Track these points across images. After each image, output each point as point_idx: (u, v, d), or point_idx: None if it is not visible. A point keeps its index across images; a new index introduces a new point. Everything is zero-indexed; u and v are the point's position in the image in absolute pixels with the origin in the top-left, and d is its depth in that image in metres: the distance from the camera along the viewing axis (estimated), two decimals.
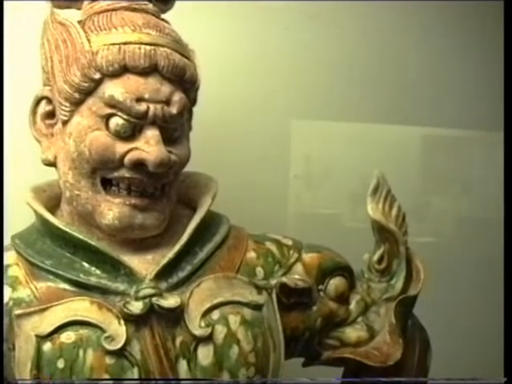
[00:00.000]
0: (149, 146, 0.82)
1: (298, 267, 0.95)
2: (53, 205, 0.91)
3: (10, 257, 0.87)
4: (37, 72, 0.93)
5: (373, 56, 1.52)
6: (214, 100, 1.35)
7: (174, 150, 0.85)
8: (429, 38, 1.54)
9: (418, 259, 0.99)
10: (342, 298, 0.97)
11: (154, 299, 0.82)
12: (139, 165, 0.82)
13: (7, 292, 0.85)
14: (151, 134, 0.83)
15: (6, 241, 0.92)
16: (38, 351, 0.81)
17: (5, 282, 0.85)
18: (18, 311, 0.82)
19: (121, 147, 0.82)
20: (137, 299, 0.83)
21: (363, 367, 0.98)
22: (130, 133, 0.83)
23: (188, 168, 0.94)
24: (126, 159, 0.82)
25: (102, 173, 0.84)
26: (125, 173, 0.83)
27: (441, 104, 1.56)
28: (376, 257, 0.99)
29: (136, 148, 0.83)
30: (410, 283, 0.98)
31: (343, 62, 1.49)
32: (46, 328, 0.81)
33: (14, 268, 0.86)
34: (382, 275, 0.99)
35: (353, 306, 0.98)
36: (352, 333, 0.97)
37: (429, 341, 1.04)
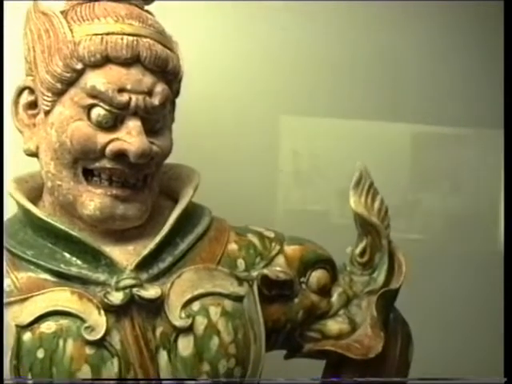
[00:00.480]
0: (130, 137, 0.82)
1: (280, 259, 0.95)
2: (35, 196, 0.91)
3: None
4: None
5: (363, 53, 1.53)
6: (202, 96, 1.35)
7: (155, 141, 0.85)
8: (420, 34, 1.55)
9: (400, 253, 0.99)
10: (324, 291, 0.97)
11: (134, 290, 0.82)
12: (121, 155, 0.83)
13: None
14: (133, 124, 0.83)
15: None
16: (18, 341, 0.81)
17: None
18: None
19: (102, 138, 0.82)
20: (117, 290, 0.83)
21: (345, 360, 0.98)
22: (112, 123, 0.83)
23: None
24: (108, 150, 0.82)
25: (84, 163, 0.84)
26: (106, 163, 0.83)
27: (431, 101, 1.56)
28: (358, 250, 0.99)
29: (117, 139, 0.83)
30: (392, 277, 0.99)
31: (333, 58, 1.50)
32: (26, 318, 0.81)
33: None
34: (364, 268, 0.99)
35: (334, 298, 0.98)
36: (333, 325, 0.97)
37: (410, 335, 1.04)
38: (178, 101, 0.96)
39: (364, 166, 0.97)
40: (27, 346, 0.81)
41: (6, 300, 0.83)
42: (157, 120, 0.86)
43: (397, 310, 1.02)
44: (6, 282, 0.84)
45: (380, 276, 0.98)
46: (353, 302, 0.99)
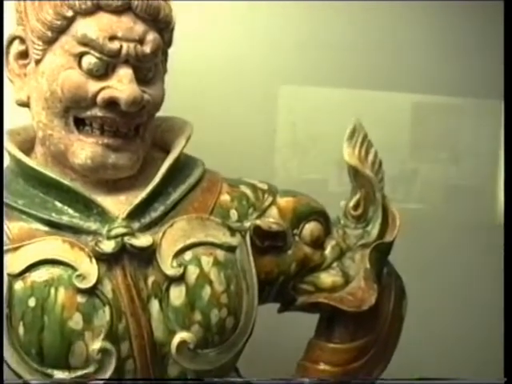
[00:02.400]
0: (122, 85, 0.81)
1: (273, 211, 0.94)
2: (27, 148, 0.90)
3: None
4: None
5: (363, 21, 1.52)
6: (201, 65, 1.34)
7: (147, 90, 0.84)
8: (421, 5, 1.53)
9: (394, 206, 0.98)
10: (317, 243, 0.97)
11: (126, 238, 0.82)
12: (112, 103, 0.82)
13: None
14: (124, 72, 0.82)
15: None
16: (10, 290, 0.81)
17: None
18: None
19: (93, 86, 0.82)
20: (109, 238, 0.82)
21: (338, 314, 0.98)
22: (103, 72, 0.82)
23: None
24: (99, 98, 0.82)
25: (75, 112, 0.83)
26: (97, 112, 0.83)
27: (430, 71, 1.55)
28: (352, 203, 0.99)
29: (109, 87, 0.82)
30: (386, 230, 0.98)
31: (333, 27, 1.49)
32: (18, 267, 0.81)
33: None
34: (357, 221, 0.99)
35: (328, 251, 0.98)
36: (327, 278, 0.97)
37: (404, 289, 1.04)
38: (177, 71, 0.95)
39: (358, 119, 0.96)
40: (19, 294, 0.81)
41: None
42: (148, 69, 0.85)
43: (390, 263, 1.02)
44: None
45: (374, 229, 0.98)
46: (346, 254, 0.99)
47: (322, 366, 0.99)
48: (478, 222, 1.66)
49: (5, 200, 0.85)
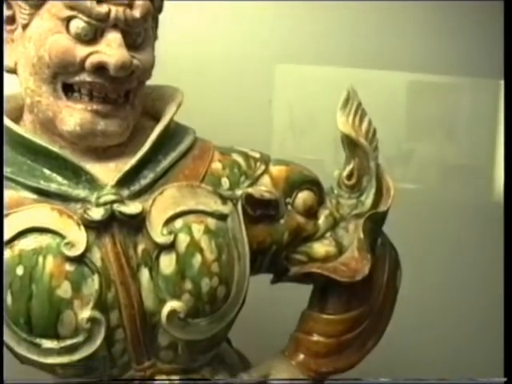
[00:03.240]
0: (110, 49, 0.80)
1: (265, 179, 0.93)
2: (15, 116, 0.89)
3: None
4: None
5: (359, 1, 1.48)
6: (197, 43, 1.33)
7: (136, 55, 0.83)
8: None
9: (388, 176, 0.97)
10: (310, 213, 0.96)
11: (115, 206, 0.81)
12: (100, 68, 0.80)
13: None
14: (113, 37, 0.80)
15: None
16: None
17: None
18: None
19: (82, 50, 0.80)
20: (98, 205, 0.81)
21: (331, 285, 0.97)
22: (92, 36, 0.81)
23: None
24: (87, 62, 0.80)
25: (63, 78, 0.82)
26: (86, 77, 0.81)
27: (428, 49, 1.54)
28: (346, 172, 0.98)
29: (97, 51, 0.80)
30: (380, 200, 0.97)
31: (329, 6, 1.47)
32: (6, 235, 0.80)
33: None
34: (351, 191, 0.98)
35: (321, 221, 0.97)
36: (320, 248, 0.95)
37: (398, 260, 1.03)
38: (173, 51, 0.93)
39: (352, 86, 0.94)
40: (7, 263, 0.79)
41: None
42: (138, 34, 0.84)
43: (385, 234, 1.00)
44: None
45: (368, 199, 0.97)
46: (340, 224, 0.98)
47: (315, 338, 0.99)
48: (475, 201, 1.66)
49: None
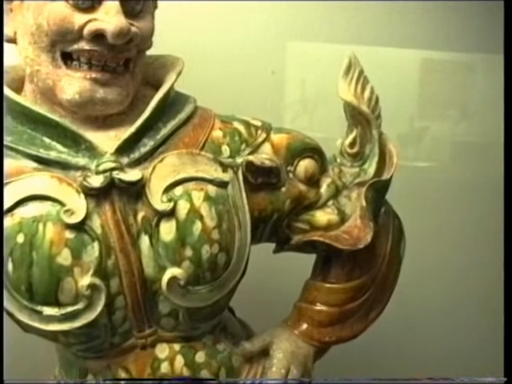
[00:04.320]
0: (108, 17, 0.79)
1: (266, 147, 0.92)
2: (16, 87, 0.88)
3: None
4: None
5: None
6: (208, 20, 1.32)
7: (135, 23, 0.82)
8: None
9: (391, 144, 0.96)
10: (312, 181, 0.95)
11: (114, 173, 0.81)
12: (99, 36, 0.80)
13: None
14: (111, 4, 0.80)
15: None
16: None
17: None
18: None
19: (80, 18, 0.80)
20: (97, 173, 0.81)
21: (334, 253, 0.97)
22: (90, 4, 0.80)
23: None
24: (85, 30, 0.80)
25: (62, 46, 0.81)
26: (84, 45, 0.81)
27: (440, 26, 1.52)
28: (348, 141, 0.97)
29: (95, 19, 0.80)
30: (383, 168, 0.97)
31: None
32: (6, 204, 0.80)
33: None
34: (354, 160, 0.97)
35: (323, 189, 0.96)
36: (322, 216, 0.95)
37: (402, 229, 1.02)
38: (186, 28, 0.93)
39: (354, 53, 0.93)
40: (7, 231, 0.79)
41: None
42: (136, 1, 0.83)
43: (388, 203, 1.00)
44: None
45: (370, 167, 0.96)
46: (342, 193, 0.97)
47: (318, 307, 0.99)
48: (487, 178, 1.64)
49: None
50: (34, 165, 0.82)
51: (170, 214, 0.83)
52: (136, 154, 0.84)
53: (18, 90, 0.88)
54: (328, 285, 0.99)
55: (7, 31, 0.85)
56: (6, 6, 0.86)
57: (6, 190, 0.81)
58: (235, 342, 0.97)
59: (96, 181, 0.80)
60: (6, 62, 0.91)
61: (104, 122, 0.86)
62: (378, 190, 0.95)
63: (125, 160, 0.83)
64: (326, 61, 1.51)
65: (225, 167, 0.88)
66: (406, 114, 1.63)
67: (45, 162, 0.82)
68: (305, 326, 0.99)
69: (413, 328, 1.55)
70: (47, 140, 0.83)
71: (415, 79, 1.63)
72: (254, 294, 1.22)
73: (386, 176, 0.95)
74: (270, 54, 1.46)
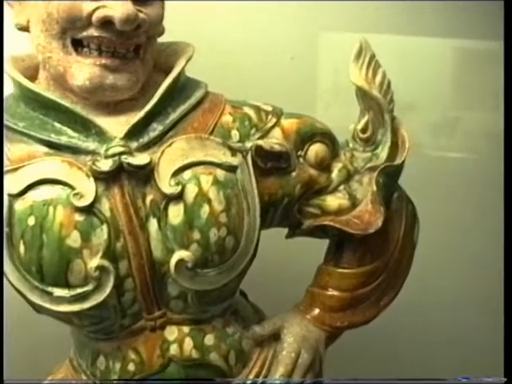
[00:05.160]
0: (115, 4, 0.81)
1: (276, 132, 0.93)
2: (31, 74, 0.90)
3: None
4: None
5: None
6: (242, 9, 1.33)
7: (143, 10, 0.83)
8: None
9: (403, 128, 0.96)
10: (323, 165, 0.95)
11: (123, 157, 0.82)
12: (107, 23, 0.81)
13: None
14: None
15: None
16: (10, 209, 0.82)
17: None
18: None
19: (88, 5, 0.81)
20: (106, 157, 0.82)
21: (346, 238, 0.97)
22: None
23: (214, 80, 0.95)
24: (94, 17, 0.81)
25: (72, 33, 0.83)
26: (93, 32, 0.82)
27: (474, 15, 1.50)
28: (360, 125, 0.97)
29: (103, 6, 0.81)
30: (396, 153, 0.96)
31: None
32: (18, 187, 0.82)
33: None
34: (366, 144, 0.97)
35: (334, 174, 0.96)
36: (333, 201, 0.95)
37: (416, 215, 1.02)
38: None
39: (364, 38, 0.93)
40: (19, 214, 0.81)
41: None
42: None
43: (401, 188, 0.99)
44: None
45: (383, 152, 0.96)
46: (354, 177, 0.97)
47: (330, 292, 0.99)
48: None
49: (6, 123, 0.86)
50: (46, 149, 0.84)
51: (178, 197, 0.84)
52: (145, 139, 0.85)
53: (33, 77, 0.90)
54: (340, 270, 0.99)
55: (20, 20, 0.87)
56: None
57: (19, 173, 0.83)
58: (246, 326, 0.97)
59: (105, 165, 0.81)
60: (21, 51, 0.92)
61: (115, 107, 0.87)
62: (389, 175, 0.94)
63: (134, 144, 0.84)
64: None
65: (234, 151, 0.88)
66: (439, 104, 1.61)
67: (56, 147, 0.84)
68: (316, 310, 1.00)
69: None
70: (58, 125, 0.85)
71: (449, 69, 1.61)
72: (268, 279, 1.23)
73: (397, 161, 0.94)
74: (302, 43, 1.46)
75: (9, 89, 0.92)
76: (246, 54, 1.39)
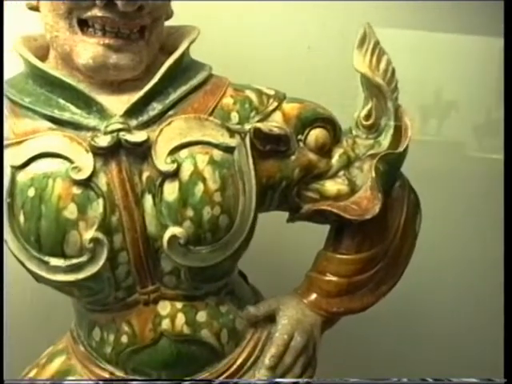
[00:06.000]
0: None
1: (277, 116, 0.94)
2: (43, 54, 0.94)
3: None
4: None
5: None
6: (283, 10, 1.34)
7: None
8: None
9: (407, 117, 0.96)
10: (323, 151, 0.96)
11: (121, 134, 0.84)
12: (110, 3, 0.83)
13: None
14: None
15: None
16: (13, 180, 0.85)
17: None
18: None
19: None
20: (105, 134, 0.85)
21: (345, 224, 0.98)
22: None
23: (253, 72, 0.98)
24: None
25: (78, 13, 0.85)
26: (97, 12, 0.85)
27: None
28: (363, 112, 0.97)
29: None
30: (399, 141, 0.96)
31: None
32: (20, 159, 0.85)
33: None
34: (369, 132, 0.97)
35: (335, 159, 0.97)
36: (332, 186, 0.96)
37: (419, 204, 1.02)
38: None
39: (368, 24, 0.93)
40: (20, 185, 0.85)
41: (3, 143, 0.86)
42: None
43: (404, 176, 0.99)
44: (5, 126, 0.87)
45: (385, 140, 0.97)
46: (354, 164, 0.97)
47: (327, 277, 1.00)
48: None
49: (13, 98, 0.89)
50: (49, 125, 0.87)
51: (174, 175, 0.86)
52: (144, 117, 0.87)
53: (44, 56, 0.94)
54: (338, 255, 1.00)
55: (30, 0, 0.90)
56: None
57: (22, 146, 0.86)
58: (241, 307, 0.99)
59: (103, 140, 0.84)
60: (34, 30, 0.95)
61: (119, 86, 0.90)
62: (389, 163, 0.95)
63: (133, 122, 0.87)
64: (405, 47, 1.50)
65: (232, 133, 0.90)
66: (483, 105, 1.59)
67: (59, 123, 0.87)
68: (314, 295, 1.00)
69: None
70: (62, 102, 0.88)
71: (495, 69, 1.59)
72: (269, 263, 1.23)
73: (399, 149, 0.94)
74: (344, 40, 1.46)
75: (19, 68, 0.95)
76: (295, 49, 1.42)
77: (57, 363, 1.00)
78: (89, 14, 0.85)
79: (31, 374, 1.00)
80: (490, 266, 1.43)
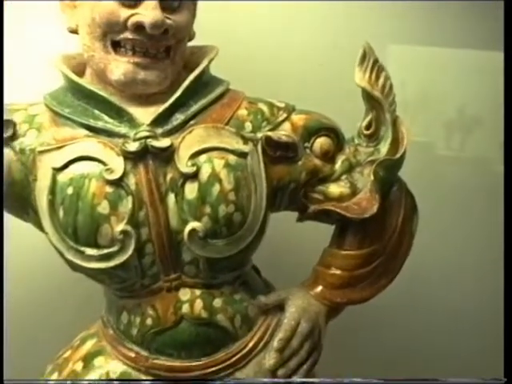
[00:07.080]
0: (147, 11, 0.95)
1: (286, 125, 1.06)
2: (79, 70, 1.06)
3: (38, 107, 1.04)
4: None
5: None
6: (309, 20, 1.45)
7: (171, 17, 0.97)
8: None
9: (403, 127, 1.07)
10: (327, 157, 1.07)
11: (148, 140, 0.97)
12: (140, 27, 0.96)
13: (33, 135, 1.01)
14: (150, 1, 0.96)
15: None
16: (54, 180, 0.97)
17: (32, 127, 1.01)
18: (40, 148, 0.99)
19: (124, 13, 0.96)
20: (134, 140, 0.97)
21: (348, 223, 1.09)
22: (133, 1, 0.96)
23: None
24: (129, 22, 0.96)
25: (111, 36, 0.98)
26: (128, 35, 0.97)
27: None
28: (364, 123, 1.08)
29: (137, 13, 0.96)
30: (396, 149, 1.07)
31: None
32: (61, 162, 0.97)
33: (41, 116, 1.02)
34: (369, 140, 1.08)
35: (338, 164, 1.08)
36: (335, 188, 1.07)
37: (416, 207, 1.12)
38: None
39: (368, 43, 1.05)
40: (60, 184, 0.97)
41: (46, 147, 0.99)
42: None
43: (402, 181, 1.11)
44: (48, 134, 1.00)
45: (384, 147, 1.07)
46: (356, 169, 1.08)
47: (332, 271, 1.11)
48: None
49: (54, 108, 1.01)
50: (86, 132, 1.00)
51: (194, 176, 0.98)
52: (169, 126, 1.00)
53: (81, 72, 1.06)
54: (342, 251, 1.11)
55: (71, 24, 1.03)
56: (70, 2, 1.03)
57: (61, 151, 0.98)
58: (254, 296, 1.10)
59: (133, 146, 0.96)
60: (73, 50, 1.08)
61: (146, 99, 1.02)
62: (387, 168, 1.06)
63: (159, 130, 0.99)
64: (426, 63, 1.58)
65: (246, 140, 1.02)
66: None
67: (94, 130, 0.99)
68: (319, 287, 1.11)
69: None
70: (97, 112, 1.01)
71: None
72: (280, 259, 1.33)
73: (396, 156, 1.05)
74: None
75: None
76: (315, 63, 1.48)
77: (88, 345, 1.11)
78: (121, 36, 0.97)
79: (66, 355, 1.12)
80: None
